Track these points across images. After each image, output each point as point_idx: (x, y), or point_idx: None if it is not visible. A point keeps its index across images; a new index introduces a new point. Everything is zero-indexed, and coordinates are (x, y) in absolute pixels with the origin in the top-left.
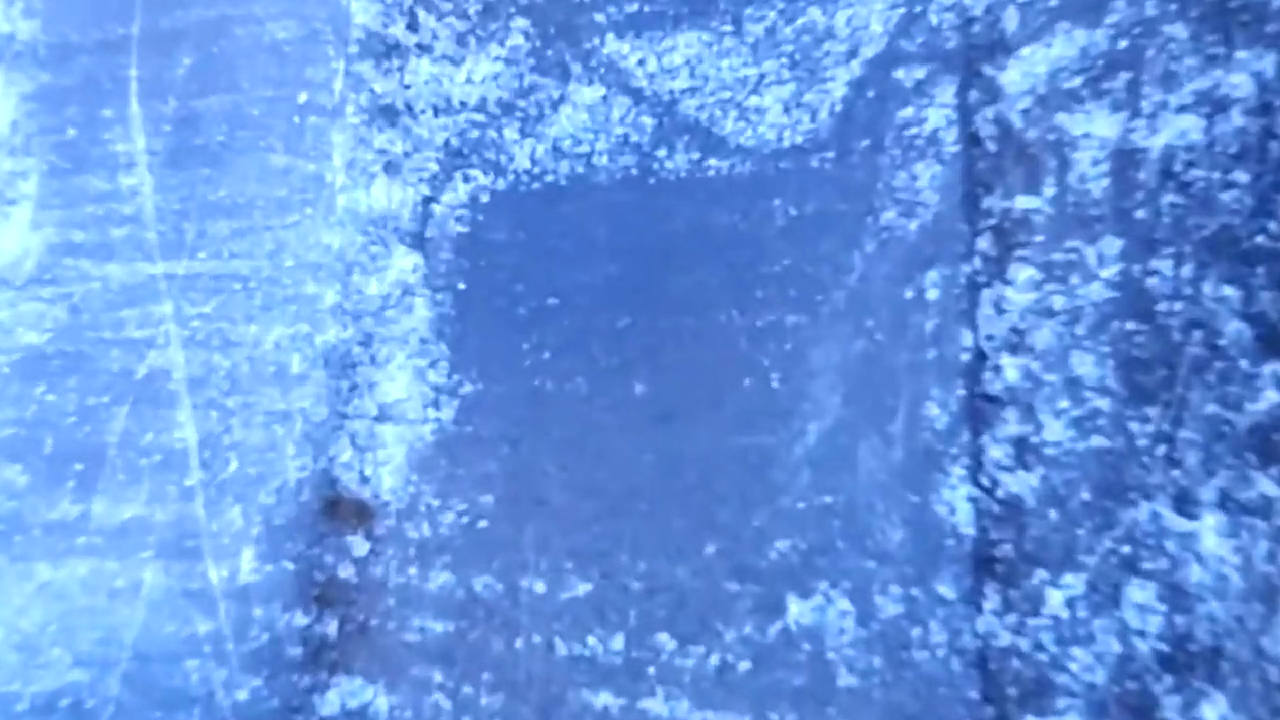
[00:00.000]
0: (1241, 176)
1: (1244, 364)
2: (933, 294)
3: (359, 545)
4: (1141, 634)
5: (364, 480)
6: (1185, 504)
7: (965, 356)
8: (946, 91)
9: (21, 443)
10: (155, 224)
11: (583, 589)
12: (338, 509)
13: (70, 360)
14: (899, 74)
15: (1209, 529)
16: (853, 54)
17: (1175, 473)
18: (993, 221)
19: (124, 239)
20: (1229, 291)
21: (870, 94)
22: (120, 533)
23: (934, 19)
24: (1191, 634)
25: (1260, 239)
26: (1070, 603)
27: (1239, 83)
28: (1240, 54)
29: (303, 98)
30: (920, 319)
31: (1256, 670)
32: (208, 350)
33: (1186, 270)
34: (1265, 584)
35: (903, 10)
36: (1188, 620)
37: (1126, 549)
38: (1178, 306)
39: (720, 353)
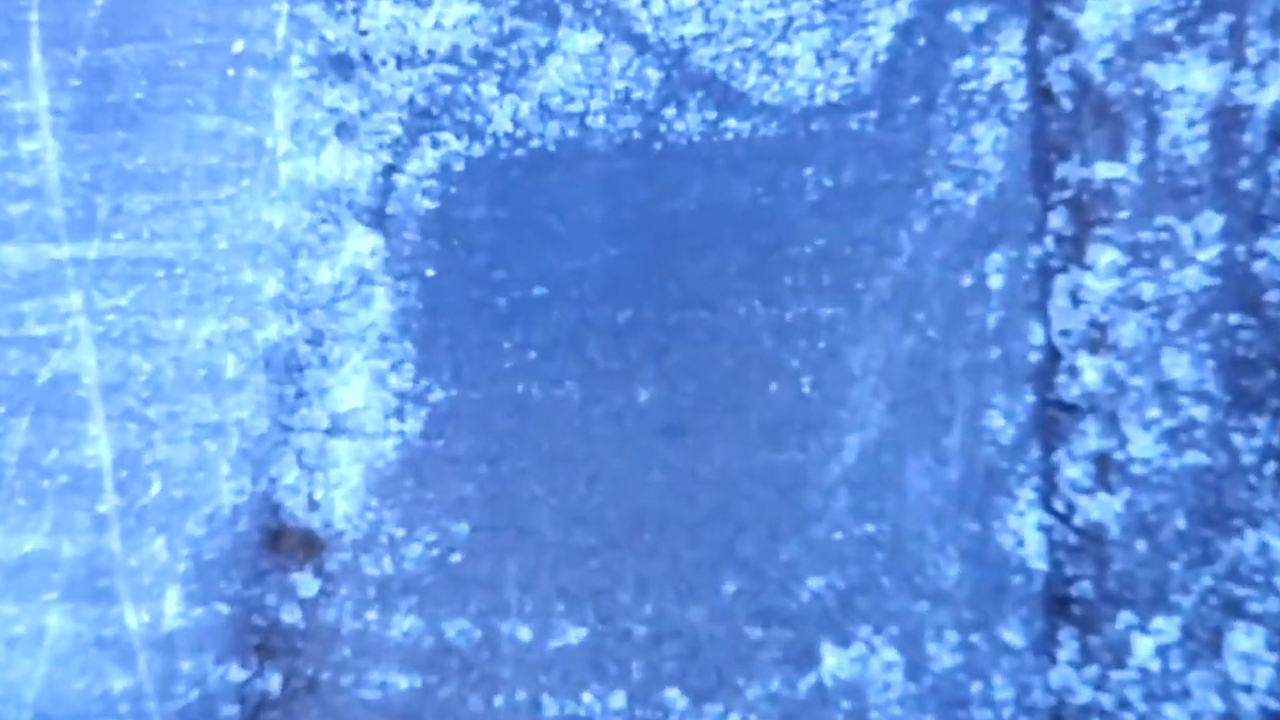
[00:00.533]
0: None
1: None
2: (996, 281)
3: (307, 584)
4: (1248, 689)
5: (313, 506)
6: None
7: (1035, 356)
8: (1013, 38)
9: None
10: (61, 198)
11: (576, 636)
12: (281, 541)
13: None
14: (955, 16)
15: None
16: None
17: None
18: (1068, 194)
19: (23, 216)
20: None
21: (920, 41)
22: (19, 569)
23: None
24: None
25: None
26: (1162, 652)
27: None
28: None
29: (238, 46)
30: (981, 311)
31: None
32: (125, 350)
33: None
34: None
35: None
36: None
37: (1229, 587)
38: None
39: (741, 352)
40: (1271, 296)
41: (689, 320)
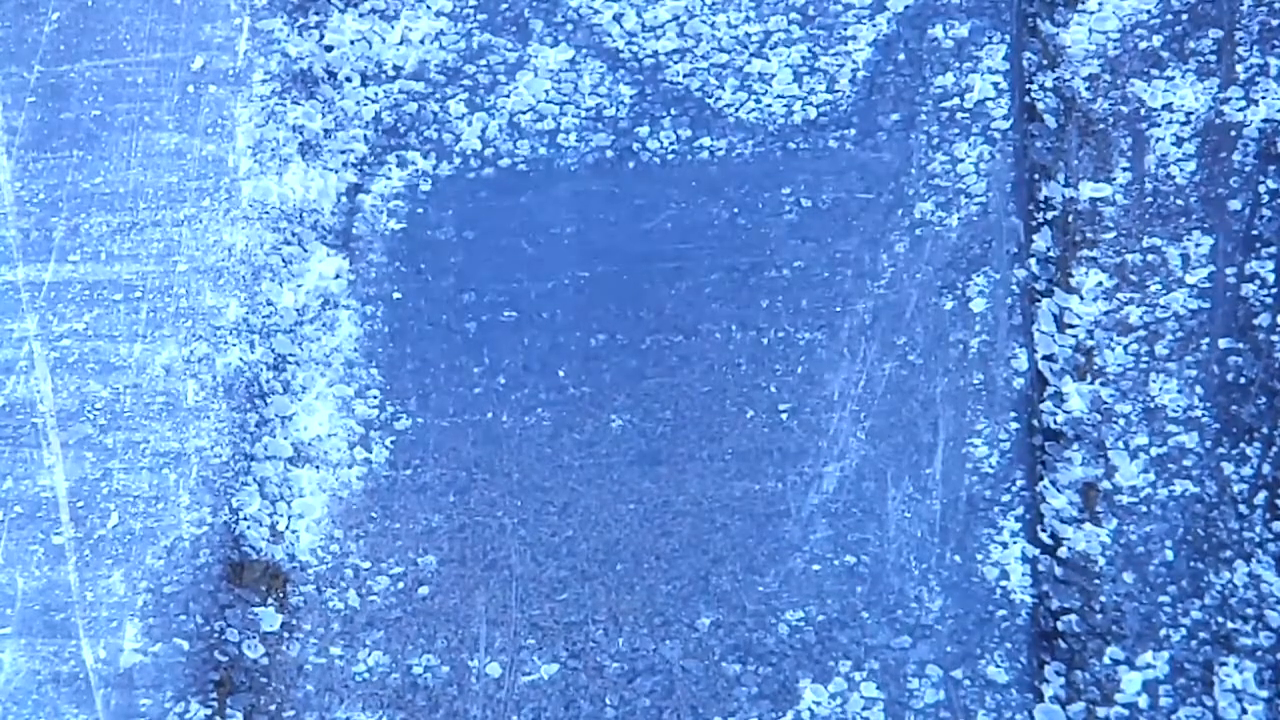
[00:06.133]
0: None
1: None
2: (979, 304)
3: (270, 618)
4: None
5: (276, 537)
6: None
7: (1019, 382)
8: (995, 54)
9: None
10: (15, 219)
11: (547, 671)
12: (243, 573)
13: None
14: (936, 31)
15: None
16: (879, 7)
17: None
18: (1053, 215)
19: None
20: None
21: (900, 57)
22: None
23: None
24: None
25: None
26: (1151, 688)
27: None
28: None
29: (198, 62)
30: (963, 336)
31: None
32: (81, 376)
33: None
34: None
35: None
36: None
37: (1220, 621)
38: None
39: (716, 378)
40: (1262, 320)
41: (663, 345)
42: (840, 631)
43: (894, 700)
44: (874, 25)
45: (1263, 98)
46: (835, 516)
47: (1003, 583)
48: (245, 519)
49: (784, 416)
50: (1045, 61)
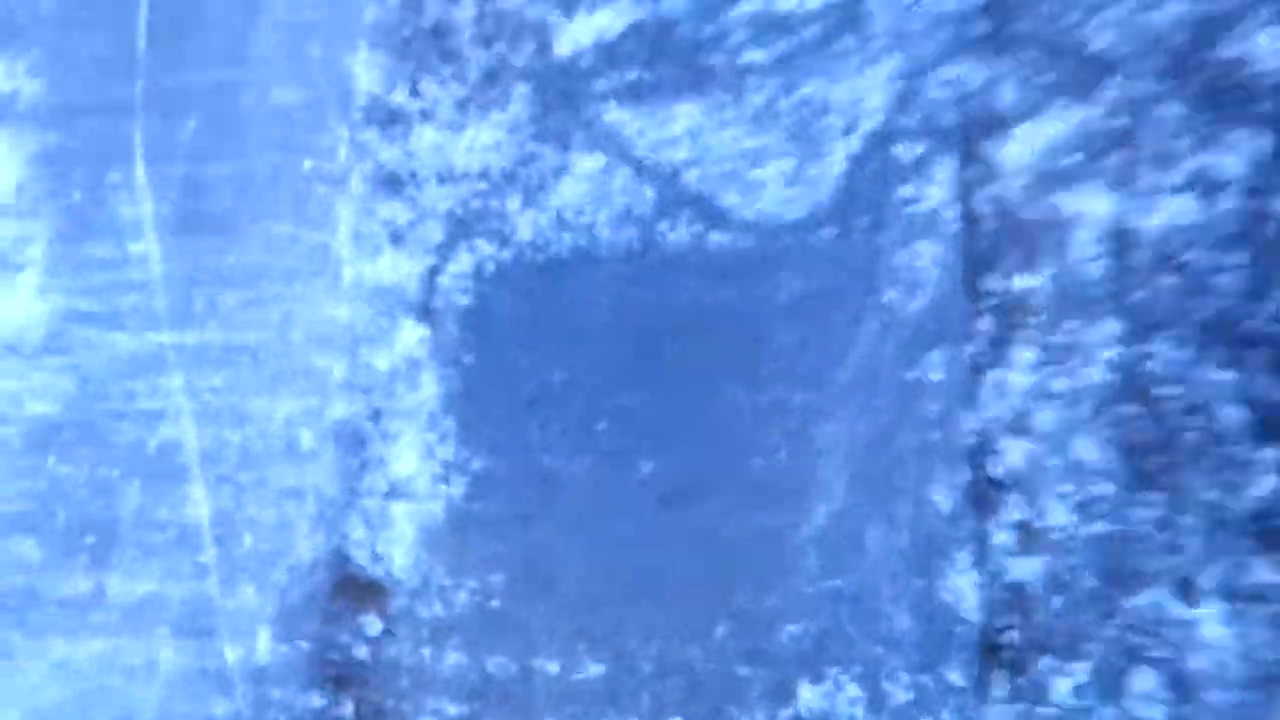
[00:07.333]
0: (1238, 258)
1: (1242, 449)
2: (936, 375)
3: (372, 624)
4: None
5: (376, 558)
6: (1186, 591)
7: (970, 440)
8: (946, 169)
9: (34, 516)
10: (164, 292)
11: (595, 670)
12: (351, 587)
13: (81, 431)
14: (899, 150)
15: (1210, 616)
16: (851, 128)
17: (1176, 559)
18: (994, 301)
19: (132, 307)
20: (1227, 375)
21: (870, 169)
22: (136, 609)
23: (932, 94)
24: None
25: (1257, 322)
26: (1077, 690)
27: (1232, 163)
28: (1233, 134)
29: (308, 165)
30: (925, 400)
31: None
32: (219, 424)
33: (1186, 353)
34: (1264, 672)
35: (900, 85)
36: (1191, 709)
37: (1130, 636)
38: (1177, 390)
39: (727, 430)
40: (1161, 390)
41: (683, 404)
42: (830, 641)
43: (873, 699)
44: (848, 143)
45: (1160, 208)
46: (825, 547)
47: (959, 604)
48: (352, 543)
49: (782, 463)
50: (986, 175)
